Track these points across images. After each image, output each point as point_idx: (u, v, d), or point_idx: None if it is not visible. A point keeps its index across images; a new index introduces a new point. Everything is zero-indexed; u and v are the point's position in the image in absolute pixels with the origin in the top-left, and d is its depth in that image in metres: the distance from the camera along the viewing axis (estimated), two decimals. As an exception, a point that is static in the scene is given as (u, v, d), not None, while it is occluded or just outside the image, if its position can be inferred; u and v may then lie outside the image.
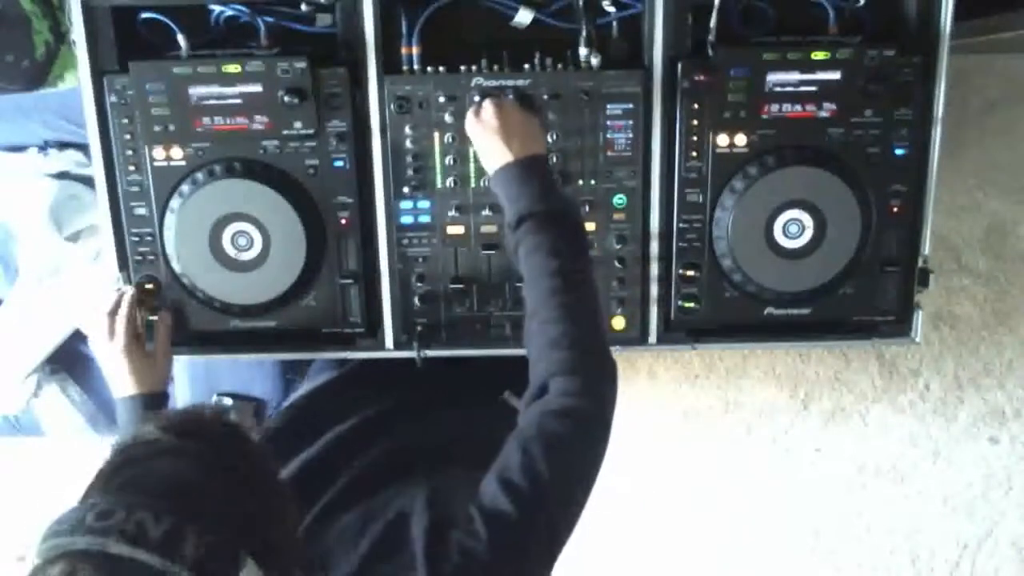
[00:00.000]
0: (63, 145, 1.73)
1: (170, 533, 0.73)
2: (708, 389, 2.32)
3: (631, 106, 1.37)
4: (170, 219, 1.38)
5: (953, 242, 2.22)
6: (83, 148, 1.65)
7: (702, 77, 1.34)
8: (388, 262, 1.43)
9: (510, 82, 1.35)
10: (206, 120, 1.34)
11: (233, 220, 1.37)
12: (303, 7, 1.35)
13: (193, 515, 0.76)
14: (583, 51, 1.36)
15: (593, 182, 1.40)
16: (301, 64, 1.32)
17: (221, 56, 1.34)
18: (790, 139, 1.37)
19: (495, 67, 1.36)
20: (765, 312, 1.44)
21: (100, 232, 1.43)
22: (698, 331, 1.47)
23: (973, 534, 2.36)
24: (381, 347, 1.46)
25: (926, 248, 1.43)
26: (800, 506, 2.36)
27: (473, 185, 1.40)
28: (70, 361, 1.76)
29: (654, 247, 1.43)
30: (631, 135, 1.38)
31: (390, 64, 1.36)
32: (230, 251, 1.38)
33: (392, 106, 1.36)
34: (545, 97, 1.36)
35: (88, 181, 1.68)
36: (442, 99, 1.36)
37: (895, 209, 1.40)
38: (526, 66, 1.36)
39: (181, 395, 1.63)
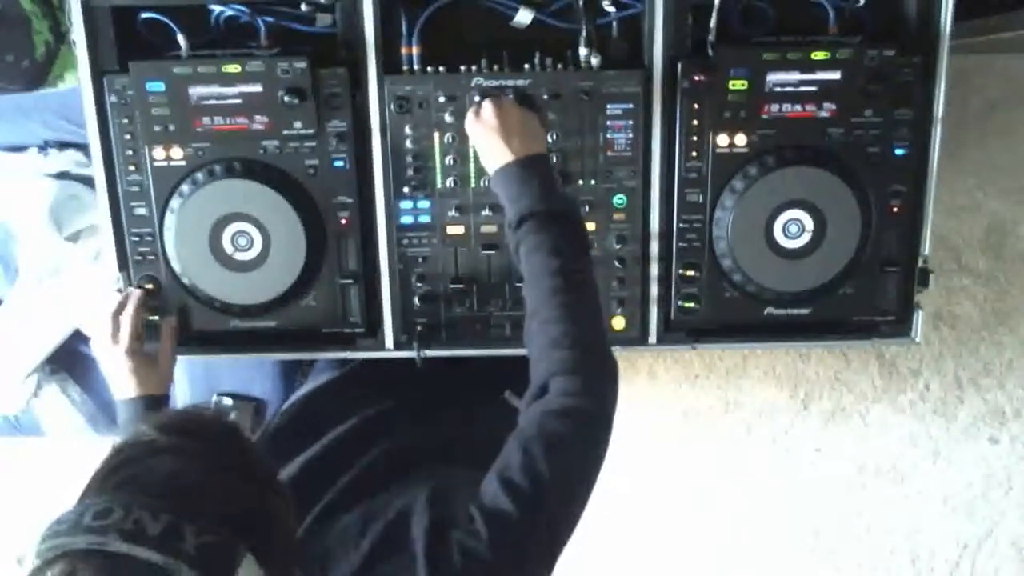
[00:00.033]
0: (63, 145, 1.73)
1: (168, 530, 0.73)
2: (708, 389, 2.32)
3: (631, 106, 1.37)
4: (170, 219, 1.38)
5: (953, 242, 2.22)
6: (83, 148, 1.65)
7: (702, 77, 1.34)
8: (388, 262, 1.42)
9: (510, 82, 1.35)
10: (206, 120, 1.34)
11: (233, 220, 1.37)
12: (303, 7, 1.35)
13: (191, 513, 0.76)
14: (583, 51, 1.36)
15: (593, 182, 1.40)
16: (301, 64, 1.32)
17: (221, 56, 1.34)
18: (790, 139, 1.37)
19: (495, 67, 1.36)
20: (765, 312, 1.44)
21: (100, 232, 1.43)
22: (698, 331, 1.47)
23: (973, 534, 2.36)
24: (381, 347, 1.46)
25: (926, 248, 1.43)
26: (800, 506, 2.36)
27: (473, 185, 1.40)
28: (70, 361, 1.75)
29: (654, 247, 1.43)
30: (631, 135, 1.38)
31: (390, 64, 1.36)
32: (230, 251, 1.38)
33: (392, 106, 1.36)
34: (545, 97, 1.35)
35: (88, 181, 1.68)
36: (442, 99, 1.36)
37: (895, 209, 1.40)
38: (526, 66, 1.36)
39: (181, 395, 1.63)
